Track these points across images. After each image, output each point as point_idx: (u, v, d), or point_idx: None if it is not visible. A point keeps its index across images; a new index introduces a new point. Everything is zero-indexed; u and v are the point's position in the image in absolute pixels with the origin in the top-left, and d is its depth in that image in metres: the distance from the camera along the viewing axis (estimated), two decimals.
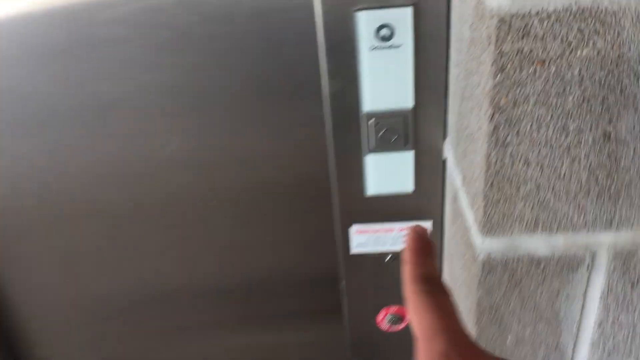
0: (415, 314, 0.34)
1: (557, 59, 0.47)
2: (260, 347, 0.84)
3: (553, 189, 0.53)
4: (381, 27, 0.64)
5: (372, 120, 0.69)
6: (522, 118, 0.50)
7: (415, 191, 0.74)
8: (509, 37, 0.47)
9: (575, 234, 0.56)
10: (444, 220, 0.77)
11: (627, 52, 0.47)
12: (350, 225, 0.77)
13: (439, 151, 0.72)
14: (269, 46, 0.67)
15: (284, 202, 0.75)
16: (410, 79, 0.67)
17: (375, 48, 0.65)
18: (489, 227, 0.55)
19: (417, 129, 0.70)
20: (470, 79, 0.56)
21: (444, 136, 0.71)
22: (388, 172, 0.72)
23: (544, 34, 0.46)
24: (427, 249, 0.39)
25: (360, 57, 0.66)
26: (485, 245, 0.56)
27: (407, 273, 0.36)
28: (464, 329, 0.33)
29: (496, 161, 0.52)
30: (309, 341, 0.82)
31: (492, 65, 0.48)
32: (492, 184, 0.53)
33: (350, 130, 0.71)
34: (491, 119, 0.50)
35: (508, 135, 0.51)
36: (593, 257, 0.56)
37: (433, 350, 0.31)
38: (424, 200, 0.75)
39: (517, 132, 0.51)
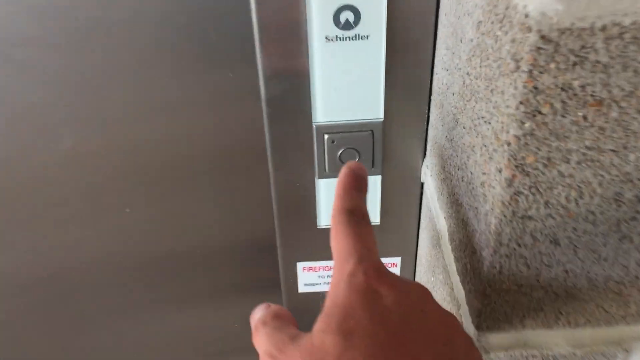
0: (334, 240, 0.35)
1: (624, 99, 0.29)
2: (200, 323, 0.68)
3: (588, 275, 0.36)
4: (342, 9, 0.45)
5: (327, 136, 0.51)
6: (556, 184, 0.32)
7: (382, 223, 0.57)
8: (552, 66, 0.28)
9: (608, 329, 0.39)
10: (417, 258, 0.60)
11: None
12: (296, 261, 0.60)
13: (415, 175, 0.54)
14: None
15: (221, 171, 0.56)
16: (381, 82, 0.48)
17: (332, 38, 0.46)
18: (491, 321, 0.39)
19: (387, 147, 0.52)
20: (471, 103, 0.38)
21: (423, 155, 0.53)
22: None
23: (609, 62, 0.28)
24: (358, 184, 0.38)
25: (312, 50, 0.47)
26: (484, 341, 0.40)
27: (335, 205, 0.37)
28: (375, 254, 0.34)
29: (510, 240, 0.35)
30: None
31: (519, 104, 0.30)
32: (500, 269, 0.36)
33: (298, 148, 0.52)
34: (510, 183, 0.32)
35: (532, 206, 0.33)
36: (627, 355, 0.41)
37: (343, 271, 0.33)
38: (393, 234, 0.58)
39: (547, 202, 0.33)
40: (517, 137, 0.31)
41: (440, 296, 0.51)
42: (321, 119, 0.50)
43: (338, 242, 0.34)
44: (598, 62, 0.28)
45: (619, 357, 0.41)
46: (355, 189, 0.38)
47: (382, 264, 0.33)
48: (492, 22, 0.33)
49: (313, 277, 0.61)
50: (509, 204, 0.33)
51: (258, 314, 0.36)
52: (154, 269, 0.63)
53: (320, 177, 0.53)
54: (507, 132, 0.31)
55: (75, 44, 0.49)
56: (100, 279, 0.64)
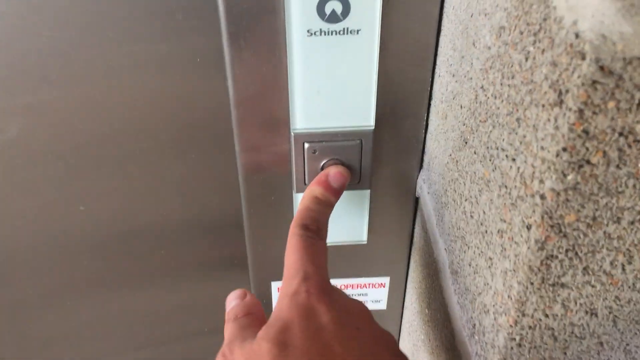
0: (287, 254, 0.37)
1: None
2: (160, 303, 0.61)
3: (627, 347, 0.29)
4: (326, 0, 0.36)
5: (307, 145, 0.42)
6: (600, 248, 0.25)
7: (369, 241, 0.49)
8: (612, 105, 0.20)
9: None
10: (408, 279, 0.53)
11: None
12: (271, 281, 0.52)
13: (409, 190, 0.46)
14: None
15: (185, 145, 0.48)
16: (372, 85, 0.40)
17: (315, 32, 0.38)
18: None
19: (377, 158, 0.44)
20: (487, 127, 0.30)
21: (419, 167, 0.45)
22: (331, 217, 0.47)
23: None
24: (325, 197, 0.39)
25: (290, 46, 0.38)
26: None
27: (294, 217, 0.38)
28: (322, 271, 0.36)
29: (536, 310, 0.27)
30: (218, 293, 0.59)
31: (561, 151, 0.22)
32: (521, 341, 0.29)
33: (273, 158, 0.44)
34: (542, 246, 0.25)
35: (568, 272, 0.26)
36: None
37: (289, 287, 0.35)
38: (382, 253, 0.50)
39: (586, 268, 0.26)
40: (556, 192, 0.23)
41: (434, 334, 0.44)
42: (301, 125, 0.42)
43: (289, 257, 0.37)
44: None
45: None
46: (318, 201, 0.39)
47: (326, 282, 0.35)
48: (522, 32, 0.25)
49: None
50: (539, 269, 0.26)
51: (233, 303, 0.38)
52: (113, 248, 0.56)
53: (298, 192, 0.45)
54: (542, 182, 0.24)
55: (22, 23, 0.40)
56: (54, 257, 0.57)
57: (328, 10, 0.37)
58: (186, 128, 0.46)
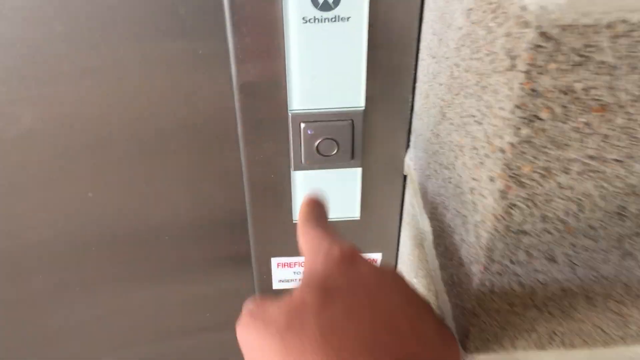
0: (303, 240, 0.37)
1: (630, 104, 0.25)
2: (173, 298, 0.64)
3: (587, 293, 0.33)
4: None
5: (304, 125, 0.46)
6: (554, 196, 0.29)
7: (362, 217, 0.53)
8: (553, 66, 0.24)
9: (605, 350, 0.36)
10: (398, 255, 0.56)
11: None
12: (271, 257, 0.56)
13: (398, 168, 0.50)
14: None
15: (189, 147, 0.52)
16: (362, 68, 0.44)
17: (310, 20, 0.42)
18: (481, 341, 0.35)
19: (367, 137, 0.48)
20: (460, 98, 0.34)
21: (406, 146, 0.49)
22: (326, 194, 0.50)
23: (616, 63, 0.24)
24: (319, 211, 0.39)
25: (287, 32, 0.42)
26: None
27: (300, 219, 0.38)
28: (340, 242, 0.35)
29: (503, 256, 0.31)
30: (223, 289, 0.62)
31: (515, 108, 0.26)
32: (492, 287, 0.32)
33: (272, 138, 0.48)
34: (504, 195, 0.29)
35: (528, 220, 0.29)
36: None
37: (317, 255, 0.34)
38: (374, 229, 0.54)
39: (544, 216, 0.29)
40: (513, 145, 0.27)
41: (424, 289, 0.47)
42: (297, 106, 0.46)
43: (307, 242, 0.36)
44: (603, 62, 0.24)
45: None
46: (315, 203, 0.39)
47: (343, 249, 0.34)
48: (484, 12, 0.29)
49: (288, 273, 0.57)
50: (502, 217, 0.29)
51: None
52: (118, 246, 0.59)
53: (296, 169, 0.49)
54: (501, 137, 0.27)
55: (33, 18, 0.43)
56: (63, 255, 0.60)
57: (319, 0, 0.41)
58: (191, 127, 0.50)
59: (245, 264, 0.58)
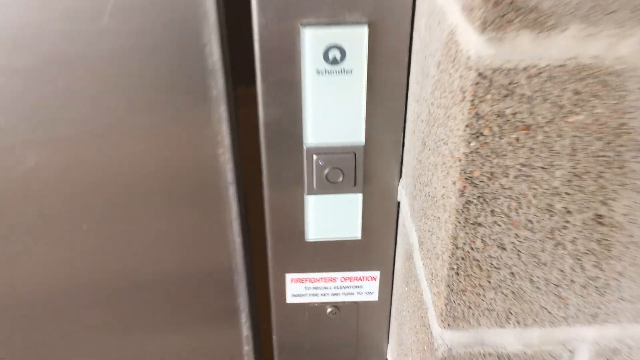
0: None
1: (546, 125, 0.36)
2: (161, 351, 0.71)
3: (531, 277, 0.43)
4: (330, 47, 0.52)
5: (316, 157, 0.57)
6: (499, 195, 0.39)
7: (362, 238, 0.63)
8: (489, 97, 0.35)
9: (552, 329, 0.45)
10: (394, 272, 0.66)
11: (632, 121, 0.36)
12: (285, 272, 0.66)
13: (392, 195, 0.60)
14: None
15: (176, 201, 0.62)
16: (362, 111, 0.55)
17: (322, 72, 0.53)
18: (452, 319, 0.45)
19: (367, 168, 0.59)
20: (434, 128, 0.45)
21: (399, 176, 0.60)
22: (332, 216, 0.61)
23: (532, 95, 0.35)
24: None
25: (304, 82, 0.54)
26: (446, 338, 0.46)
27: None
28: None
29: (464, 244, 0.41)
30: (208, 345, 0.69)
31: (465, 129, 0.37)
32: (457, 269, 0.42)
33: (290, 167, 0.58)
34: (462, 193, 0.39)
35: (481, 213, 0.40)
36: (572, 355, 0.46)
37: None
38: (373, 249, 0.64)
39: (492, 211, 0.40)
40: (466, 154, 0.38)
41: (412, 304, 0.57)
42: (311, 141, 0.57)
43: None
44: (523, 94, 0.35)
45: (564, 356, 0.47)
46: None
47: None
48: (447, 62, 0.40)
49: (300, 288, 0.67)
50: (462, 211, 0.40)
51: None
52: (104, 296, 0.66)
53: (309, 194, 0.60)
54: (458, 150, 0.38)
55: (37, 73, 0.54)
56: (48, 307, 0.66)
57: (331, 56, 0.52)
58: (175, 186, 0.59)
59: (233, 317, 0.66)
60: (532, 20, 0.33)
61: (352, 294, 0.68)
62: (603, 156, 0.37)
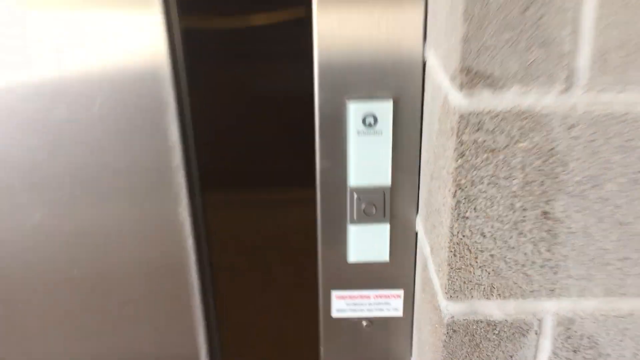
0: None
1: (504, 148, 0.58)
2: None
3: (505, 258, 0.63)
4: (367, 115, 0.76)
5: (356, 195, 0.80)
6: (478, 196, 0.61)
7: (390, 260, 0.83)
8: (467, 130, 0.58)
9: (524, 301, 0.65)
10: (415, 288, 0.86)
11: (556, 147, 0.58)
12: (332, 290, 0.86)
13: (412, 225, 0.82)
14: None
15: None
16: (389, 161, 0.78)
17: (361, 133, 0.77)
18: (452, 291, 0.65)
19: (393, 204, 0.80)
20: (437, 162, 0.67)
21: (417, 212, 0.81)
22: (367, 242, 0.82)
23: (494, 129, 0.58)
24: None
25: (349, 140, 0.77)
26: (449, 308, 0.65)
27: None
28: None
29: (457, 232, 0.62)
30: None
31: (454, 151, 0.59)
32: (454, 252, 0.63)
33: (337, 203, 0.81)
34: (454, 196, 0.61)
35: (467, 210, 0.61)
36: (540, 323, 0.65)
37: None
38: (398, 269, 0.84)
39: (475, 208, 0.61)
40: (455, 169, 0.60)
41: (427, 307, 0.76)
42: (353, 183, 0.79)
43: None
44: (488, 129, 0.58)
45: (535, 324, 0.66)
46: None
47: None
48: (444, 115, 0.63)
49: (342, 304, 0.86)
50: (455, 208, 0.61)
51: None
52: None
53: (350, 223, 0.81)
54: (450, 166, 0.60)
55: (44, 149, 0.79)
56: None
57: (367, 121, 0.76)
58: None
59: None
60: (489, 83, 0.56)
61: (382, 310, 0.87)
62: (542, 170, 0.59)
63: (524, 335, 0.66)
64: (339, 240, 0.83)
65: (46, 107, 0.77)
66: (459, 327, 0.66)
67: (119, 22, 0.73)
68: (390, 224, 0.82)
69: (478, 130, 0.58)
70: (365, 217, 0.80)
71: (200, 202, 0.82)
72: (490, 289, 0.64)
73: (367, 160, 0.78)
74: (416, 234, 0.83)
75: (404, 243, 0.83)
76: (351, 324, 0.88)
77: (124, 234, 0.82)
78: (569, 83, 0.56)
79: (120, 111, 0.76)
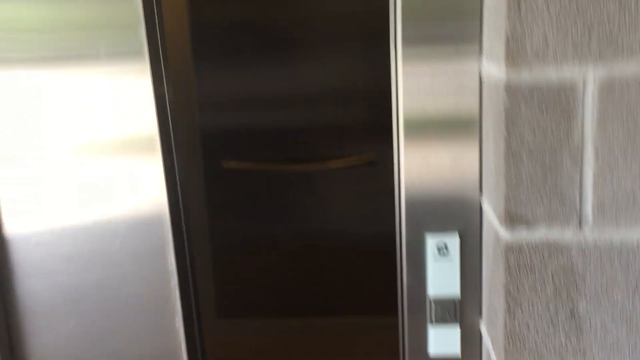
0: None
1: (539, 267, 0.87)
2: None
3: (545, 345, 0.90)
4: (441, 246, 1.07)
5: (434, 304, 1.08)
6: (522, 300, 0.89)
7: (462, 354, 1.10)
8: (512, 255, 0.88)
9: None
10: None
11: (575, 266, 0.87)
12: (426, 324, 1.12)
13: (477, 326, 1.09)
14: None
15: None
16: (457, 279, 1.07)
17: (436, 258, 1.07)
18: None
19: (462, 311, 1.08)
20: (494, 279, 0.96)
21: (480, 315, 1.09)
22: (443, 340, 1.09)
23: (530, 253, 0.87)
24: None
25: (428, 266, 1.07)
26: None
27: None
28: None
29: (510, 327, 0.90)
30: None
31: (504, 270, 0.88)
32: (508, 339, 0.90)
33: (420, 310, 1.09)
34: (506, 300, 0.89)
35: (515, 310, 0.89)
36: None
37: None
38: None
39: (521, 308, 0.89)
40: (506, 281, 0.89)
41: None
42: (432, 294, 1.08)
43: None
44: (526, 254, 0.87)
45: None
46: None
47: None
48: (495, 246, 0.93)
49: None
50: (506, 310, 0.89)
51: None
52: None
53: (430, 324, 1.09)
54: (502, 279, 0.90)
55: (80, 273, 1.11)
56: None
57: (441, 250, 1.07)
58: None
59: None
60: (524, 223, 0.86)
61: None
62: (567, 281, 0.88)
63: None
64: (423, 337, 1.10)
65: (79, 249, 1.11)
66: None
67: None
68: (460, 325, 1.09)
69: (519, 255, 0.87)
70: (442, 320, 1.08)
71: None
72: None
73: (441, 279, 1.08)
74: (480, 332, 1.10)
75: (471, 340, 1.09)
76: None
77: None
78: (580, 224, 0.86)
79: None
